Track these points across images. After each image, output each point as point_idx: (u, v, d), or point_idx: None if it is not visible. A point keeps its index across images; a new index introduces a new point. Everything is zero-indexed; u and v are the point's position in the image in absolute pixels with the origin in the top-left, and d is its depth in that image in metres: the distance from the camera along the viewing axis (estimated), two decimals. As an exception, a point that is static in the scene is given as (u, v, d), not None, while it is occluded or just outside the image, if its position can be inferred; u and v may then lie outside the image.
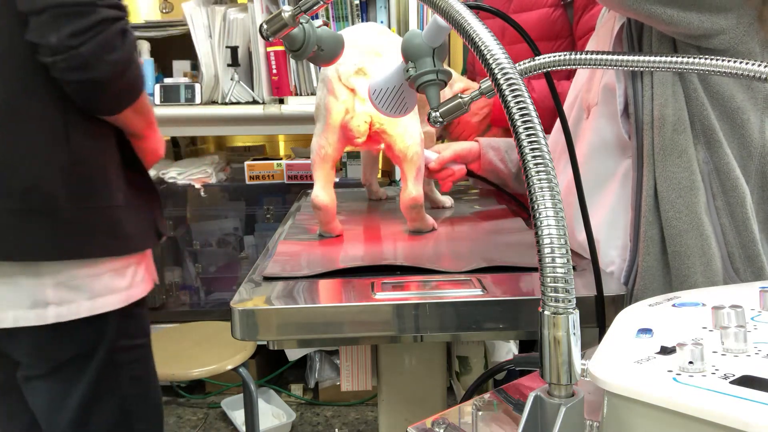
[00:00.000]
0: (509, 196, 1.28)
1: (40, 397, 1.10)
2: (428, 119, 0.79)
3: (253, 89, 2.33)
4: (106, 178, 1.05)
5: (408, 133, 1.01)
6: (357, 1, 2.28)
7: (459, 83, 1.33)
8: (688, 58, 0.66)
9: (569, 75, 1.37)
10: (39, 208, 0.99)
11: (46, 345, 1.06)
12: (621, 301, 0.76)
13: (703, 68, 0.65)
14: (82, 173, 1.02)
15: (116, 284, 1.08)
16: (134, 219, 1.10)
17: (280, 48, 2.23)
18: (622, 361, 0.44)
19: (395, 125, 1.00)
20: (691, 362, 0.40)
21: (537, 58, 0.72)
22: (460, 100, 0.77)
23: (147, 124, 1.11)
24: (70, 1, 0.92)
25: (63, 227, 1.01)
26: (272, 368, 2.61)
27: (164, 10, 2.78)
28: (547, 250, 0.41)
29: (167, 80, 2.34)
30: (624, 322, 0.51)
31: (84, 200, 1.02)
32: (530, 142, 0.42)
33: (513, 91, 0.44)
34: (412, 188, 1.02)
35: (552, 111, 0.81)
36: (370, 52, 0.99)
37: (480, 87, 0.77)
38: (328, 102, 0.99)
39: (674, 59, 0.67)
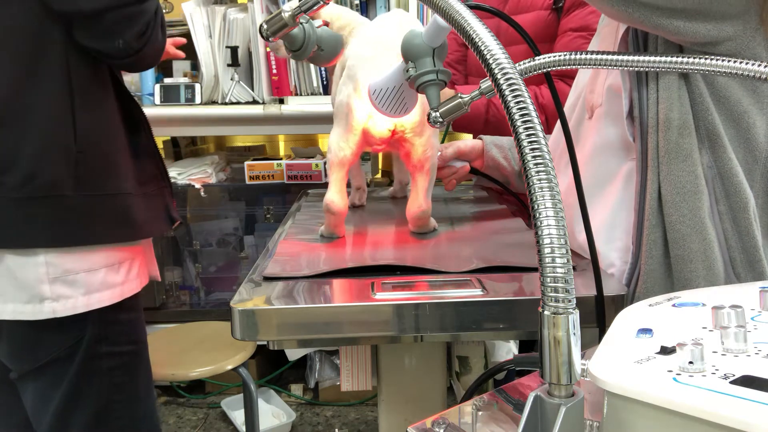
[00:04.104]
0: (512, 195, 1.28)
1: (29, 397, 1.11)
2: (428, 119, 0.79)
3: (253, 89, 2.33)
4: (115, 165, 1.07)
5: (429, 143, 0.99)
6: (357, 1, 2.29)
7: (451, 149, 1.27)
8: (689, 58, 0.66)
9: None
10: (42, 195, 1.00)
11: (24, 346, 1.07)
12: (621, 301, 0.76)
13: (704, 68, 0.65)
14: (89, 160, 1.03)
15: (112, 279, 1.08)
16: (144, 206, 1.11)
17: (280, 48, 2.23)
18: (622, 361, 0.44)
19: (418, 134, 0.98)
20: (691, 362, 0.40)
21: (537, 58, 0.72)
22: (460, 100, 0.77)
23: None
24: (120, 2, 0.97)
25: (67, 214, 1.01)
26: (272, 368, 2.61)
27: (164, 10, 2.78)
28: (547, 250, 0.41)
29: (167, 80, 2.34)
30: (624, 322, 0.51)
31: (92, 188, 1.03)
32: (530, 142, 0.42)
33: (513, 91, 0.44)
34: (422, 200, 1.01)
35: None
36: None
37: (480, 87, 0.77)
38: (351, 102, 0.96)
39: (675, 59, 0.67)
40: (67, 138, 1.01)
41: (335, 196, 0.99)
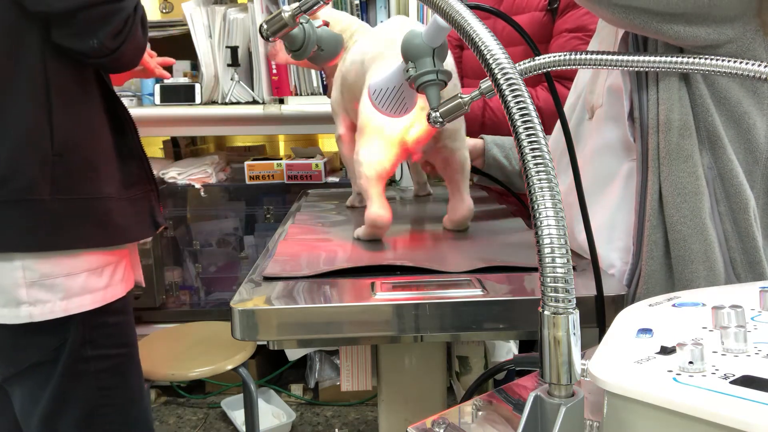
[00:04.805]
0: (513, 195, 1.27)
1: (16, 399, 1.10)
2: (428, 119, 0.79)
3: (253, 89, 2.33)
4: (96, 168, 1.04)
5: (464, 143, 1.00)
6: (357, 1, 2.28)
7: None
8: (689, 58, 0.66)
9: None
10: (17, 198, 0.98)
11: (5, 349, 1.06)
12: (621, 301, 0.76)
13: (704, 68, 0.65)
14: (67, 164, 1.01)
15: (93, 284, 1.06)
16: (127, 210, 1.09)
17: (280, 48, 2.23)
18: (622, 361, 0.44)
19: (454, 138, 0.99)
20: (691, 362, 0.40)
21: (537, 58, 0.72)
22: (460, 100, 0.77)
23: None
24: (93, 1, 0.95)
25: (44, 218, 0.99)
26: (272, 368, 2.61)
27: (164, 10, 2.78)
28: (547, 250, 0.41)
29: (167, 80, 2.34)
30: (624, 322, 0.51)
31: (70, 191, 1.01)
32: (530, 142, 0.42)
33: (513, 91, 0.44)
34: (468, 198, 1.03)
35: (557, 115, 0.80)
36: None
37: (480, 87, 0.77)
38: (382, 117, 0.93)
39: (676, 59, 0.67)
40: (43, 140, 0.99)
41: (380, 210, 0.96)
